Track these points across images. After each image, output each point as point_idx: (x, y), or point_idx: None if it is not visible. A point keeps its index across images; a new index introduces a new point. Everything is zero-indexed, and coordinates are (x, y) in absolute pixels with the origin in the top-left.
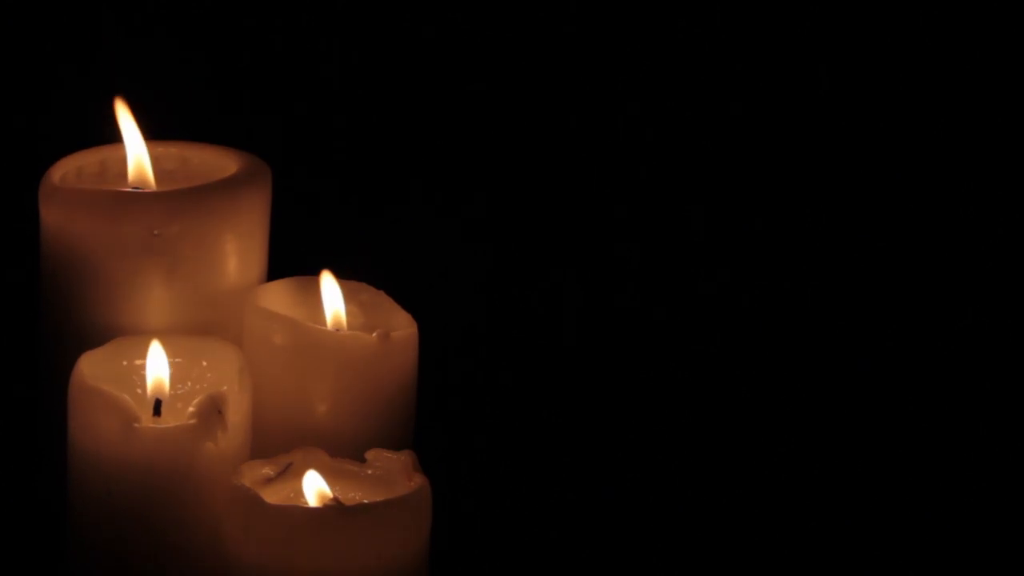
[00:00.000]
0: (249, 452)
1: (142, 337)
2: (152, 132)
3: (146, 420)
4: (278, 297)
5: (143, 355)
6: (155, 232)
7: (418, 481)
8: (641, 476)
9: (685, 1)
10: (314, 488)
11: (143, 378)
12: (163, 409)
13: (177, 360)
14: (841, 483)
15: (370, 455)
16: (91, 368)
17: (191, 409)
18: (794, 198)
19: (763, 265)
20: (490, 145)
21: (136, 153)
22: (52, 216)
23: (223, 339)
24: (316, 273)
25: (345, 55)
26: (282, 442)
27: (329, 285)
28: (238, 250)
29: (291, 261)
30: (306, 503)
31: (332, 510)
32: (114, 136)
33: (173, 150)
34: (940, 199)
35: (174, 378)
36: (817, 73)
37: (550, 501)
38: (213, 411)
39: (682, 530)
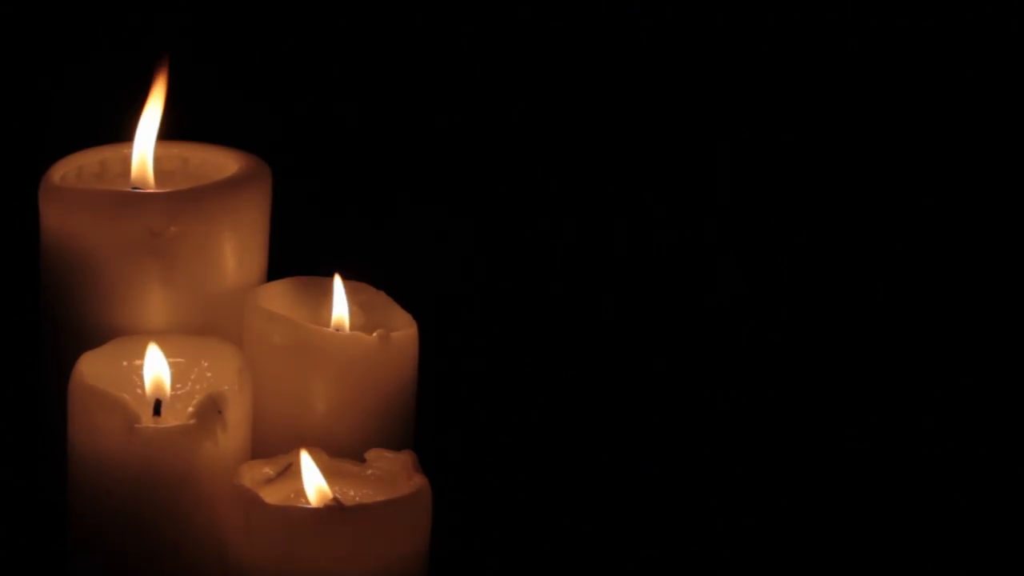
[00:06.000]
0: (249, 452)
1: (142, 337)
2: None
3: (146, 420)
4: (278, 297)
5: (143, 355)
6: (155, 232)
7: (418, 481)
8: (642, 476)
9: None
10: (313, 484)
11: (143, 378)
12: (163, 409)
13: (177, 360)
14: (838, 484)
15: (370, 455)
16: (91, 368)
17: (191, 409)
18: (792, 199)
19: (763, 265)
20: (491, 145)
21: (142, 151)
22: (52, 216)
23: (223, 339)
24: (316, 273)
25: (346, 55)
26: (282, 442)
27: (339, 287)
28: (238, 250)
29: (291, 261)
30: (306, 503)
31: (332, 510)
32: (115, 135)
33: (173, 150)
34: (940, 199)
35: (174, 378)
36: (816, 73)
37: (550, 501)
38: (213, 411)
39: (682, 530)
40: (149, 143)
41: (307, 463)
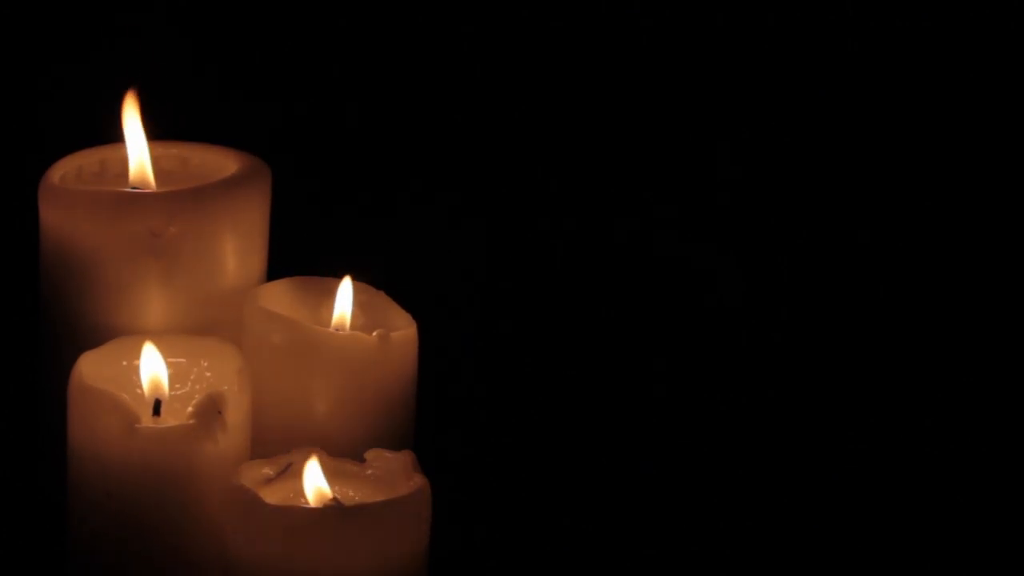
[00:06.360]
0: (249, 452)
1: (141, 337)
2: (152, 132)
3: (146, 420)
4: (278, 297)
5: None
6: (155, 232)
7: (418, 481)
8: (642, 476)
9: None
10: (313, 485)
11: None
12: (163, 409)
13: (177, 360)
14: (838, 484)
15: (370, 455)
16: (91, 368)
17: (190, 409)
18: (792, 199)
19: (763, 265)
20: (491, 145)
21: (138, 153)
22: (52, 216)
23: (223, 339)
24: (316, 273)
25: (346, 55)
26: (282, 442)
27: (346, 289)
28: (238, 250)
29: (291, 261)
30: (306, 503)
31: (332, 510)
32: (115, 135)
33: (173, 150)
34: (940, 199)
35: (174, 378)
36: (816, 78)
37: (550, 501)
38: (213, 411)
39: (682, 530)
40: (142, 144)
41: (312, 467)
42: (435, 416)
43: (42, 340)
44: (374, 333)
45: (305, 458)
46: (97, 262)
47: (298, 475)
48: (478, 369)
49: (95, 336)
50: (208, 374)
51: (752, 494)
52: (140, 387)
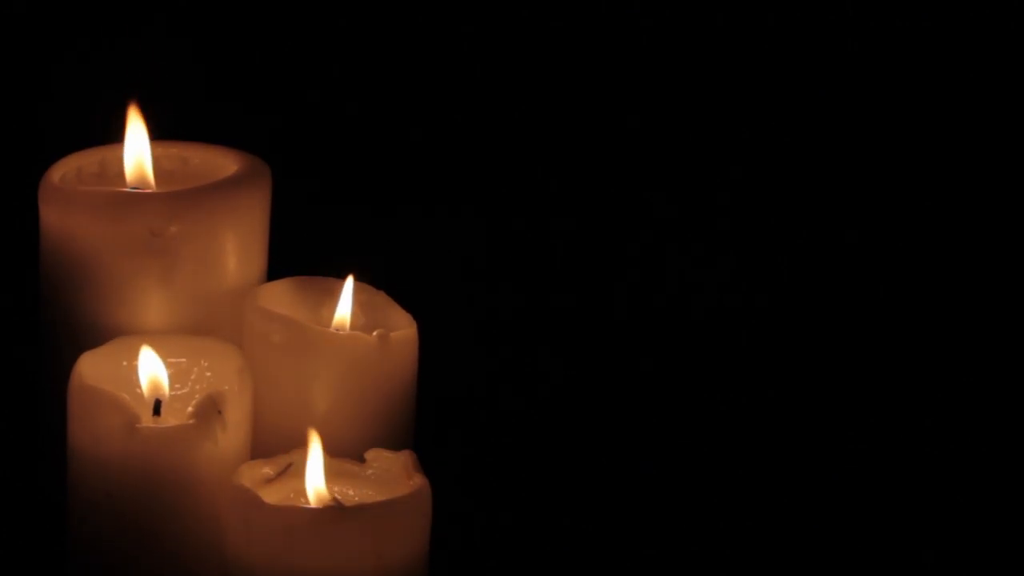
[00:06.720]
0: (249, 452)
1: (142, 337)
2: (152, 132)
3: (146, 420)
4: (278, 297)
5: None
6: (155, 232)
7: (418, 481)
8: (641, 476)
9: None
10: (313, 486)
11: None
12: (163, 409)
13: (177, 360)
14: (838, 484)
15: (370, 455)
16: (91, 368)
17: (191, 409)
18: (792, 199)
19: (763, 265)
20: (491, 145)
21: (137, 154)
22: (52, 216)
23: (223, 339)
24: (316, 273)
25: (346, 55)
26: (282, 442)
27: (349, 287)
28: (238, 250)
29: (291, 261)
30: (306, 503)
31: (332, 510)
32: (115, 135)
33: (173, 150)
34: (940, 199)
35: (174, 378)
36: (816, 74)
37: (550, 501)
38: (213, 411)
39: (682, 530)
40: (143, 145)
41: (314, 458)
42: (435, 416)
43: (42, 340)
44: (374, 333)
45: (304, 456)
46: (97, 262)
47: (298, 475)
48: (478, 369)
49: (95, 336)
50: (208, 374)
51: (752, 494)
52: (140, 387)
